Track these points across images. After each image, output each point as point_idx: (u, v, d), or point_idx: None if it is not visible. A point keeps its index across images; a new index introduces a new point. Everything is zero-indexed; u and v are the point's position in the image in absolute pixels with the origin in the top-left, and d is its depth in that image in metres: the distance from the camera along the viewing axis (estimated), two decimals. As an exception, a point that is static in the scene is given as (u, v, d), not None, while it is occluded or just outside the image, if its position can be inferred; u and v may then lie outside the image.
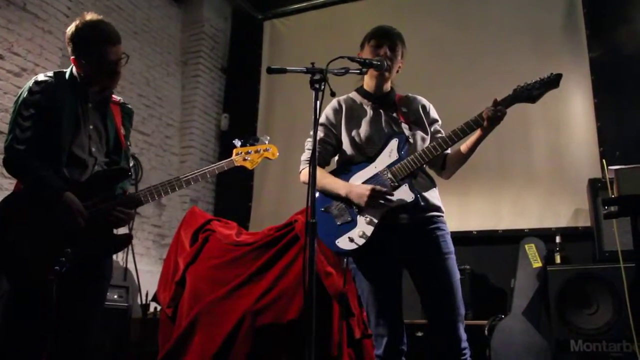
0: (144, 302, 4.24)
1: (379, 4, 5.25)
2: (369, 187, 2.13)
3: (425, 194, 2.21)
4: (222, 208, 5.59)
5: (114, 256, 2.51)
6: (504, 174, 4.48)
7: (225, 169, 2.43)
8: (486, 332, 3.70)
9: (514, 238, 4.14)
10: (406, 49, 2.36)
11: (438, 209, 2.23)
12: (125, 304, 4.02)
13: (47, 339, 2.01)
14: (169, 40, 5.64)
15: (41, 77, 2.21)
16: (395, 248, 2.16)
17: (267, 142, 2.54)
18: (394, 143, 2.23)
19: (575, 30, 4.50)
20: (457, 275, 2.15)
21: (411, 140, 2.25)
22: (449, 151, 2.31)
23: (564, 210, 4.22)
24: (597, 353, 3.35)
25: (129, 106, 2.49)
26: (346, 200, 2.18)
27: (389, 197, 2.12)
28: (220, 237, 3.66)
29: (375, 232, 2.11)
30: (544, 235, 4.05)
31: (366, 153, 2.27)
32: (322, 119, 2.35)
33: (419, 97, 2.43)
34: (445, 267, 2.13)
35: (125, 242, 2.31)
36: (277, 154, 2.54)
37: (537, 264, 3.85)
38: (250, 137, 2.54)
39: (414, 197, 2.13)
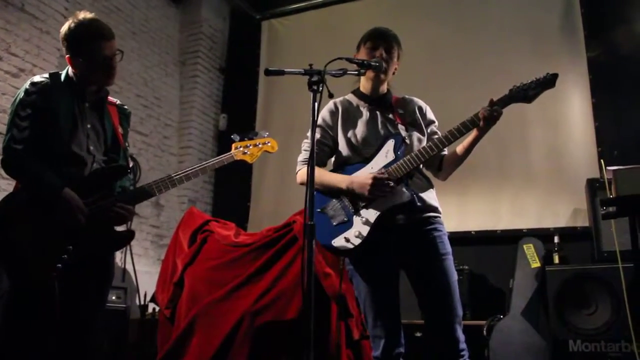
0: (142, 303, 4.23)
1: (378, 4, 5.24)
2: (370, 175, 2.13)
3: (422, 195, 2.21)
4: (220, 208, 5.58)
5: (113, 257, 2.50)
6: (502, 174, 4.48)
7: (225, 163, 2.43)
8: (485, 332, 3.69)
9: (512, 238, 4.13)
10: (402, 51, 2.36)
11: (435, 209, 2.23)
12: (124, 305, 4.01)
13: (49, 339, 2.00)
14: (167, 41, 5.63)
15: (37, 78, 2.21)
16: (392, 249, 2.16)
17: (266, 136, 2.54)
18: (390, 144, 2.23)
19: (573, 30, 4.50)
20: (454, 277, 2.14)
21: (407, 141, 2.25)
22: (445, 152, 2.31)
23: (562, 211, 4.22)
24: (595, 353, 3.35)
25: (126, 107, 2.49)
26: (347, 195, 2.18)
27: (391, 184, 2.11)
28: (219, 238, 3.66)
29: (371, 232, 2.11)
30: (542, 236, 4.04)
31: (362, 154, 2.26)
32: (318, 121, 2.35)
33: (416, 99, 2.43)
34: (443, 268, 2.13)
35: (127, 238, 2.27)
36: (277, 147, 2.54)
37: (536, 264, 3.85)
38: (249, 132, 2.55)
39: (410, 196, 2.13)
